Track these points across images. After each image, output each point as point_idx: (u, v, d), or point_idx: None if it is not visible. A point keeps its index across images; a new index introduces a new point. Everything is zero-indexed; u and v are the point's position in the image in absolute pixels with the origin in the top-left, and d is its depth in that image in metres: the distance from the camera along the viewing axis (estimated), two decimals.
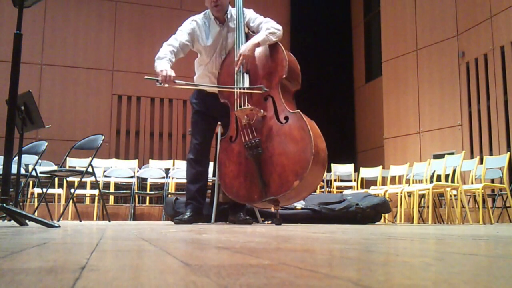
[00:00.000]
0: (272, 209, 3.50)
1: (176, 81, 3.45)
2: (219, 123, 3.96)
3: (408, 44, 8.66)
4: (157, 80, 3.40)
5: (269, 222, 4.29)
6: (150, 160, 8.02)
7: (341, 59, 11.08)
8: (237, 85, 3.53)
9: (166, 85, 3.42)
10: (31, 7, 2.86)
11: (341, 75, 11.04)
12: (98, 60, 9.49)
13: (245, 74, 3.54)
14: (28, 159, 5.86)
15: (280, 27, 3.64)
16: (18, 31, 2.64)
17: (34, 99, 3.67)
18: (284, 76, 3.47)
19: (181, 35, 3.67)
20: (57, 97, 9.13)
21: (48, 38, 9.23)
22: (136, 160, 7.77)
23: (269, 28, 3.58)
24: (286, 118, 3.39)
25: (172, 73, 3.39)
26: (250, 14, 3.78)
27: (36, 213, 4.72)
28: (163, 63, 3.46)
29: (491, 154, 6.85)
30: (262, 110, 3.43)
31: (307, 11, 10.78)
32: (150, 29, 9.70)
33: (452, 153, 6.92)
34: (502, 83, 6.97)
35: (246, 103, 3.46)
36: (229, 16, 3.75)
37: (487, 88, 7.24)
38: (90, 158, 5.26)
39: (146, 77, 3.55)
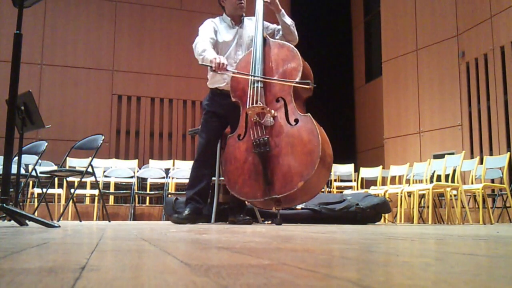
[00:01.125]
0: (274, 209, 3.51)
1: (229, 68, 3.57)
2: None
3: (408, 44, 8.66)
4: (211, 67, 3.50)
5: (269, 222, 4.29)
6: (150, 160, 8.02)
7: (341, 59, 11.08)
8: (251, 83, 3.59)
9: (219, 72, 3.53)
10: (31, 7, 2.86)
11: (341, 75, 11.03)
12: (98, 60, 9.49)
13: (260, 73, 3.59)
14: (28, 159, 5.86)
15: (297, 39, 3.90)
16: (18, 31, 2.65)
17: (34, 99, 3.67)
18: (297, 81, 3.53)
19: (207, 32, 3.80)
20: (57, 97, 9.13)
21: (48, 38, 9.23)
22: (136, 160, 7.77)
23: (293, 25, 3.89)
24: (296, 121, 3.45)
25: (225, 60, 3.51)
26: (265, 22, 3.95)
27: (36, 213, 4.72)
28: (212, 52, 3.59)
29: (491, 154, 6.85)
30: (273, 111, 3.47)
31: (307, 11, 10.78)
32: (150, 29, 9.70)
33: (452, 153, 6.92)
34: (502, 83, 6.96)
35: (259, 102, 3.49)
36: (244, 20, 3.93)
37: (487, 88, 7.24)
38: (90, 158, 5.26)
39: (200, 63, 3.62)
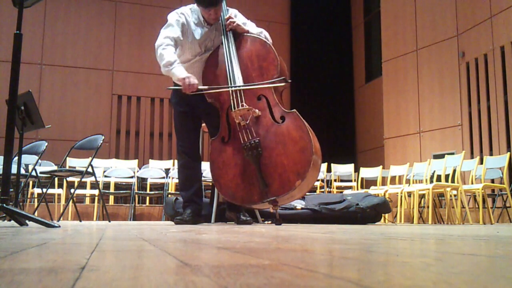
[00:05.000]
0: (271, 210, 3.47)
1: (199, 87, 3.41)
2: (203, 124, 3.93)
3: (408, 44, 8.66)
4: (178, 87, 3.39)
5: (269, 222, 4.29)
6: (150, 160, 8.02)
7: (341, 59, 11.08)
8: (230, 84, 3.47)
9: (189, 93, 3.37)
10: (31, 7, 2.86)
11: (341, 75, 11.04)
12: (98, 60, 9.50)
13: (238, 73, 3.50)
14: (28, 159, 5.87)
15: (271, 41, 3.71)
16: (18, 31, 2.65)
17: (34, 99, 3.67)
18: (276, 76, 3.48)
19: (174, 30, 3.54)
20: (57, 97, 9.14)
21: (48, 38, 9.23)
22: (136, 160, 7.77)
23: (262, 32, 3.69)
24: (283, 118, 3.38)
25: (195, 80, 3.36)
26: (240, 18, 3.75)
27: (36, 213, 4.72)
28: (180, 69, 3.39)
29: (491, 154, 6.85)
30: (257, 110, 3.40)
31: (307, 11, 10.78)
32: (150, 29, 9.68)
33: (452, 153, 6.92)
34: (502, 83, 6.97)
35: (244, 103, 3.41)
36: (219, 20, 3.67)
37: (487, 88, 7.24)
38: (90, 158, 5.27)
39: (168, 87, 3.54)
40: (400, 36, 8.87)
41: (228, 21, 3.59)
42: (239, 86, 3.46)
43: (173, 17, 3.62)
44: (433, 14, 8.33)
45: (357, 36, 11.23)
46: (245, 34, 3.65)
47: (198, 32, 3.61)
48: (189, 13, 3.65)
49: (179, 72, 3.37)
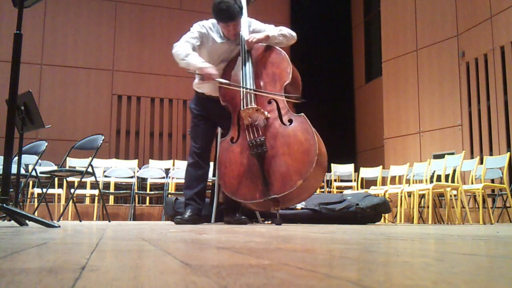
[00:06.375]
0: (272, 210, 3.50)
1: (218, 79, 3.53)
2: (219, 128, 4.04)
3: (408, 44, 8.66)
4: (199, 75, 3.53)
5: (269, 222, 4.29)
6: (150, 160, 8.02)
7: (341, 59, 11.08)
8: (243, 85, 3.58)
9: (206, 82, 3.53)
10: (31, 7, 2.86)
11: (341, 75, 11.04)
12: (98, 60, 9.50)
13: (251, 76, 3.58)
14: (28, 159, 5.87)
15: (294, 34, 3.77)
16: (18, 31, 2.65)
17: (34, 99, 3.68)
18: (288, 82, 3.57)
19: (194, 37, 3.64)
20: (57, 97, 9.14)
21: (48, 38, 9.23)
22: (136, 160, 7.77)
23: (282, 29, 3.75)
24: (290, 121, 3.47)
25: (213, 70, 3.48)
26: (254, 25, 3.83)
27: (36, 213, 4.72)
28: (198, 58, 3.52)
29: (491, 154, 6.85)
30: (266, 112, 3.48)
31: (307, 11, 10.78)
32: (150, 29, 9.70)
33: (452, 153, 6.92)
34: (502, 83, 6.97)
35: (253, 103, 3.50)
36: (239, 35, 3.76)
37: (487, 88, 7.24)
38: (90, 158, 5.27)
39: (184, 67, 3.57)
40: (400, 36, 8.87)
41: (250, 41, 3.65)
42: (257, 91, 3.56)
43: (196, 28, 3.72)
44: (433, 14, 8.33)
45: (357, 36, 11.23)
46: (261, 43, 3.72)
47: (217, 44, 3.70)
48: (211, 26, 3.74)
49: (195, 61, 3.50)
